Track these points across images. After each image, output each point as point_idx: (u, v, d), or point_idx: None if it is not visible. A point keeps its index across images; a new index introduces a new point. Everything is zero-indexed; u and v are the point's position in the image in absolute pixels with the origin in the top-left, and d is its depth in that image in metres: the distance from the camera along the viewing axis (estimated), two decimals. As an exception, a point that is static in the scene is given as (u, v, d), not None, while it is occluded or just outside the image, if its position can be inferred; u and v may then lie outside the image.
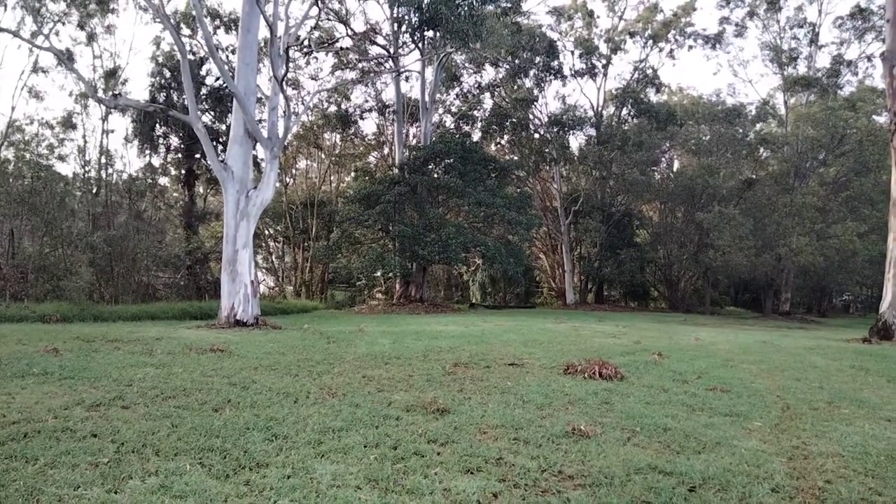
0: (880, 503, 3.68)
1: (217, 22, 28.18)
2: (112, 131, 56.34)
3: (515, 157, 35.60)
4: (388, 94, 34.00)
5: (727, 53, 50.48)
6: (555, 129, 33.25)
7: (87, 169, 27.44)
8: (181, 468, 3.79)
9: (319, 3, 19.76)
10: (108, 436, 4.36)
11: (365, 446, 4.35)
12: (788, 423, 5.51)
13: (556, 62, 32.57)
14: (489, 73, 34.56)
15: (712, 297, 35.71)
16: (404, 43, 28.78)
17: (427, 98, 29.24)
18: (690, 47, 35.44)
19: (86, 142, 27.84)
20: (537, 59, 31.90)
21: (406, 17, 27.06)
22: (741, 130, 33.79)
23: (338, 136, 38.28)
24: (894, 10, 15.23)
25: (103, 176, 27.28)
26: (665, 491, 3.68)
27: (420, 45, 27.92)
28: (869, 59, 34.51)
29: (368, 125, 53.00)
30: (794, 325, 24.36)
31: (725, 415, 5.72)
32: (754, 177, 33.49)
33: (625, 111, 35.16)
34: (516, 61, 32.08)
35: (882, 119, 31.40)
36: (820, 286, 36.87)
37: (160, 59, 27.54)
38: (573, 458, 4.26)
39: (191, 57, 26.62)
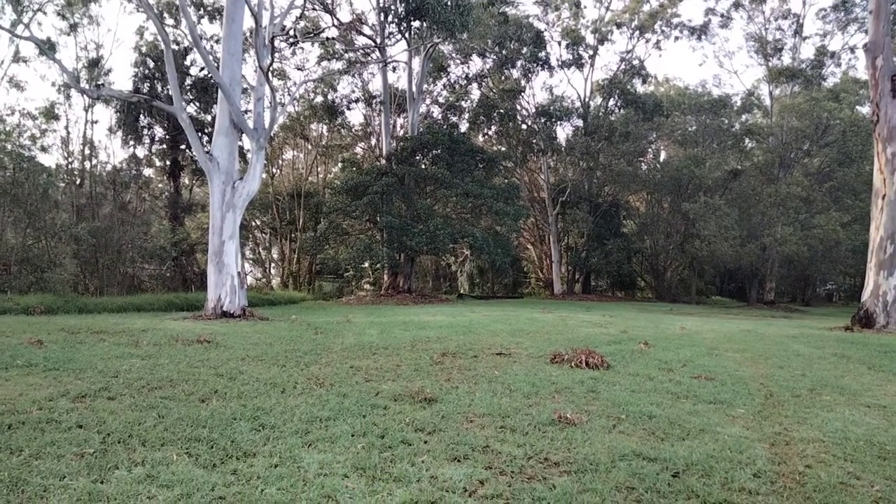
0: (858, 487, 3.75)
1: (201, 11, 27.84)
2: (96, 122, 55.23)
3: (503, 148, 35.59)
4: (375, 85, 33.89)
5: (713, 45, 51.02)
6: (542, 120, 33.26)
7: (70, 160, 27.12)
8: (168, 458, 3.79)
9: (305, -8, 19.65)
10: (93, 426, 4.34)
11: (352, 435, 4.37)
12: (771, 410, 5.59)
13: (543, 53, 32.50)
14: (476, 64, 34.47)
15: (698, 287, 36.04)
16: (391, 33, 28.57)
17: (414, 88, 29.11)
18: (676, 38, 35.53)
19: (69, 132, 27.47)
20: (524, 49, 31.82)
21: (392, 7, 26.89)
22: (727, 121, 34.00)
23: (325, 127, 38.04)
24: (877, 2, 15.37)
25: (87, 167, 26.97)
26: (649, 477, 3.73)
27: (407, 35, 27.76)
28: (852, 50, 34.92)
29: (355, 116, 52.70)
30: (778, 314, 24.62)
31: (709, 402, 5.79)
32: (740, 167, 33.74)
33: (612, 102, 35.19)
34: (503, 52, 31.98)
35: (865, 110, 31.76)
36: (804, 275, 37.27)
37: (144, 50, 27.21)
38: (559, 445, 4.30)
39: (175, 47, 26.35)
